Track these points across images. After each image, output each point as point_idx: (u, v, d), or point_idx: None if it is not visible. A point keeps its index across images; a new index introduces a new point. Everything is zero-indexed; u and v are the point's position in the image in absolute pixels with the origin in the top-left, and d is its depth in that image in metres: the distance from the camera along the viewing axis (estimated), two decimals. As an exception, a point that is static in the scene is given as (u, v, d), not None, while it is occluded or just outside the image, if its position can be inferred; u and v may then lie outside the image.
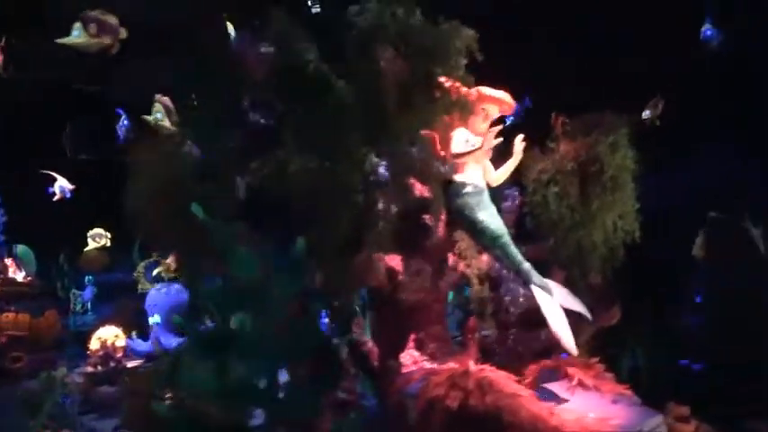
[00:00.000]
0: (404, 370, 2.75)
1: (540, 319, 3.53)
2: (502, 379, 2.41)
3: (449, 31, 2.33)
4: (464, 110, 2.47)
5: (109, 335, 5.43)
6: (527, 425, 2.23)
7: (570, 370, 2.93)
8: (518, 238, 3.69)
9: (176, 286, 5.95)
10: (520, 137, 3.13)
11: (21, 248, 6.35)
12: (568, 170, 3.33)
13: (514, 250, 2.83)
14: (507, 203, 3.74)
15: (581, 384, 2.84)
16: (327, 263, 2.34)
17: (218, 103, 2.28)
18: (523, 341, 3.40)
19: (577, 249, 3.34)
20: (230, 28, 3.01)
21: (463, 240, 3.32)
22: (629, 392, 2.84)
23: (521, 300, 3.51)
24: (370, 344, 2.93)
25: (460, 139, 2.76)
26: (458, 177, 2.86)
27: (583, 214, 3.30)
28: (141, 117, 3.04)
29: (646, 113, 6.10)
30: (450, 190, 2.86)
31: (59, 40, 3.14)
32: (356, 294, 2.90)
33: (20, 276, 6.14)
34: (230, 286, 2.00)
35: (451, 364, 2.67)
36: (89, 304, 8.16)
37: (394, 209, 2.66)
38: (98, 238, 8.41)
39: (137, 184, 2.30)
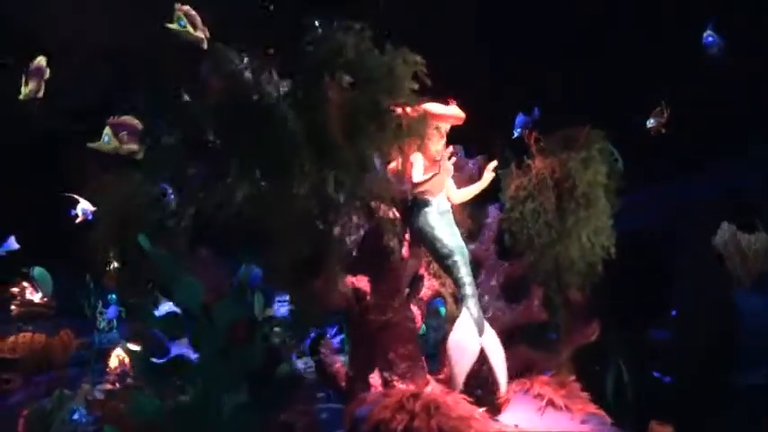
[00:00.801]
0: (372, 390, 2.78)
1: (521, 337, 3.55)
2: (451, 401, 2.41)
3: (394, 58, 2.37)
4: (416, 135, 2.50)
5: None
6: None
7: (542, 389, 2.91)
8: (498, 254, 3.75)
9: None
10: (492, 164, 3.13)
11: (38, 270, 6.59)
12: (544, 187, 3.35)
13: (464, 271, 2.78)
14: (488, 220, 3.76)
15: (551, 404, 2.82)
16: (286, 287, 2.39)
17: (179, 132, 2.35)
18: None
19: (555, 265, 3.34)
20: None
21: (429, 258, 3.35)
22: (600, 412, 2.80)
23: (501, 317, 3.52)
24: (338, 364, 2.97)
25: (419, 166, 2.78)
26: (422, 196, 2.89)
27: (559, 230, 3.30)
28: (166, 26, 2.99)
29: (650, 122, 6.03)
30: (412, 209, 2.88)
31: (91, 145, 3.25)
32: (320, 316, 2.94)
33: (36, 297, 6.40)
34: (173, 313, 2.07)
35: (405, 386, 2.69)
36: (114, 322, 8.43)
37: (353, 232, 2.71)
38: (122, 258, 8.68)
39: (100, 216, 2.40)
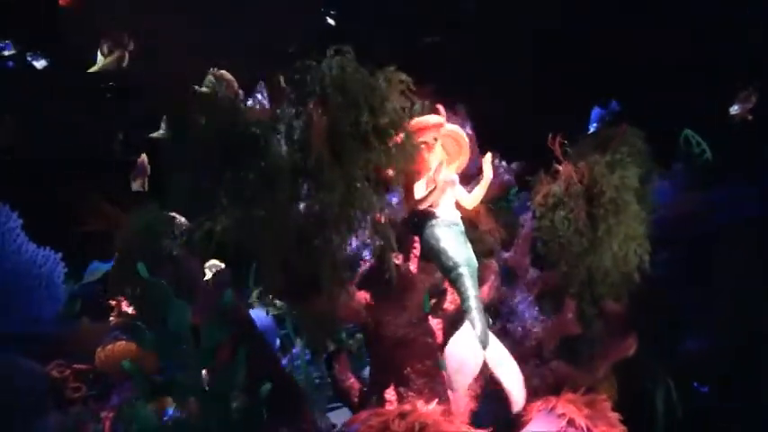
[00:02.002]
0: (387, 407, 2.79)
1: (555, 351, 3.39)
2: (440, 422, 2.34)
3: (377, 78, 2.37)
4: (406, 153, 2.47)
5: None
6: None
7: (566, 408, 2.76)
8: (532, 264, 3.60)
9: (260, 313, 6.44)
10: (487, 156, 2.99)
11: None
12: (573, 193, 3.19)
13: (469, 284, 2.61)
14: (523, 229, 3.63)
15: (571, 424, 2.67)
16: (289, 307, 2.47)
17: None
18: (537, 375, 3.27)
19: (588, 276, 3.17)
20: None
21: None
22: (624, 434, 2.62)
23: (534, 331, 3.38)
24: (352, 380, 3.00)
25: (421, 182, 2.75)
26: (430, 209, 2.85)
27: (591, 239, 3.12)
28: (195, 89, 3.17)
29: (734, 108, 5.54)
30: (420, 222, 2.85)
31: (92, 69, 3.51)
32: (331, 333, 2.97)
33: (131, 309, 7.00)
34: (164, 335, 2.21)
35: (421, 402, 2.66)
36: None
37: (360, 249, 2.73)
38: (213, 269, 9.30)
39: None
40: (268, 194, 2.30)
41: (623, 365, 3.31)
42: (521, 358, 3.26)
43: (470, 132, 3.75)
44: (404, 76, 2.44)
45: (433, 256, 2.76)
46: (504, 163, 3.84)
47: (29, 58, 6.05)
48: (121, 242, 2.52)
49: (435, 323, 3.07)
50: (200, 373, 2.25)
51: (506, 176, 3.78)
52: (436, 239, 2.75)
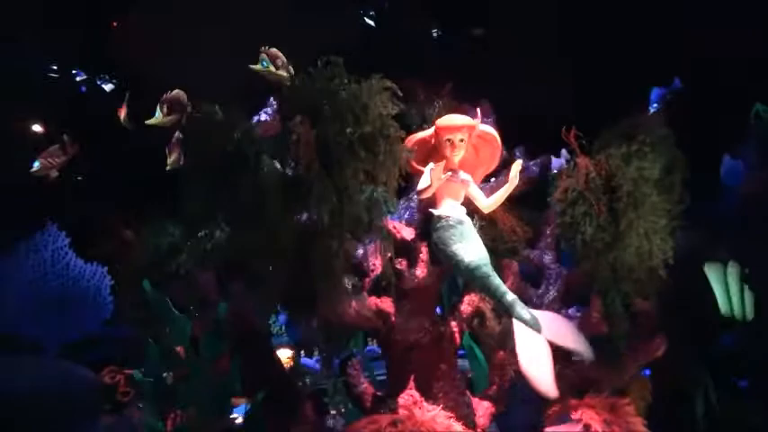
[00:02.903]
0: (400, 411, 2.79)
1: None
2: (441, 426, 2.30)
3: (361, 90, 2.36)
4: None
5: (283, 356, 6.28)
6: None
7: (584, 412, 2.65)
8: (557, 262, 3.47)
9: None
10: (518, 162, 2.95)
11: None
12: (593, 187, 3.04)
13: (496, 281, 2.64)
14: (547, 226, 3.51)
15: (588, 429, 2.56)
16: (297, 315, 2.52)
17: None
18: (562, 376, 3.15)
19: (612, 272, 3.02)
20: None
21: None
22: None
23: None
24: (365, 384, 3.01)
25: (424, 178, 2.74)
26: (434, 211, 2.82)
27: (614, 234, 2.97)
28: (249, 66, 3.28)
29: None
30: (430, 224, 2.83)
31: (149, 122, 3.73)
32: (340, 339, 3.00)
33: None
34: (165, 347, 2.31)
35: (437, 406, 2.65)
36: (283, 327, 9.38)
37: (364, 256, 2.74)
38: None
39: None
40: (259, 210, 2.36)
41: (661, 366, 3.14)
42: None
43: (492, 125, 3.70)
44: (388, 83, 2.43)
45: (446, 261, 2.75)
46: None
47: (99, 82, 6.47)
48: (131, 261, 2.67)
49: (452, 326, 3.04)
50: (200, 381, 2.36)
51: (533, 169, 3.66)
52: (444, 244, 2.73)
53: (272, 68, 3.31)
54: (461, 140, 2.87)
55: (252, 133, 2.41)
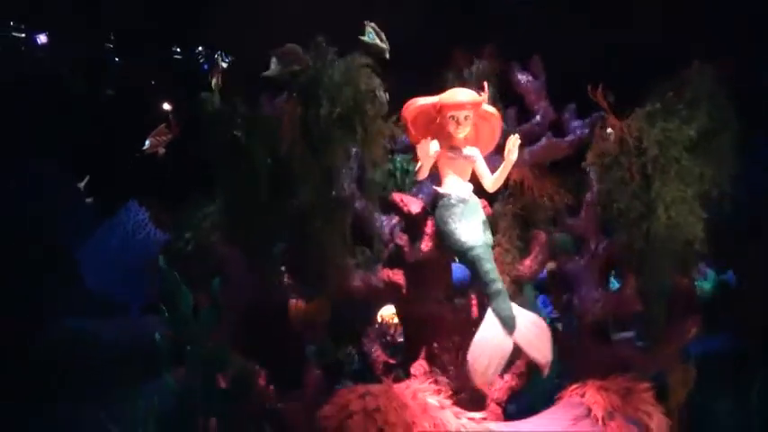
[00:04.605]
0: (413, 381, 2.80)
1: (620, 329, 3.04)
2: (395, 407, 2.25)
3: (335, 71, 2.32)
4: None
5: (387, 313, 6.57)
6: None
7: (592, 395, 2.47)
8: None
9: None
10: (514, 137, 2.69)
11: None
12: (627, 150, 2.76)
13: (487, 266, 2.49)
14: (588, 194, 3.23)
15: (588, 414, 2.39)
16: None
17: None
18: (595, 354, 2.94)
19: (646, 244, 2.73)
20: None
21: (500, 245, 3.08)
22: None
23: (597, 305, 3.03)
24: (377, 353, 3.03)
25: (421, 151, 2.63)
26: (438, 189, 2.72)
27: (647, 203, 2.69)
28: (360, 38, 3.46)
29: None
30: (433, 203, 2.75)
31: (264, 74, 3.90)
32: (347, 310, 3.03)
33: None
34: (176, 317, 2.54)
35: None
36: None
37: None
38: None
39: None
40: (252, 191, 2.48)
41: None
42: (579, 335, 3.03)
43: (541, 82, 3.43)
44: (366, 60, 2.38)
45: (443, 239, 2.67)
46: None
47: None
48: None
49: (469, 299, 2.98)
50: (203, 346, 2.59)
51: (579, 131, 3.38)
52: (443, 222, 2.64)
53: (378, 41, 3.33)
54: (466, 117, 2.69)
55: (243, 118, 2.51)
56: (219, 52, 6.53)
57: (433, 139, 2.68)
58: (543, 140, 3.32)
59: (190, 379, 2.65)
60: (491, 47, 3.60)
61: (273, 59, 3.54)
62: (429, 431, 2.24)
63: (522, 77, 3.49)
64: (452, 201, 2.67)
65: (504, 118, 3.43)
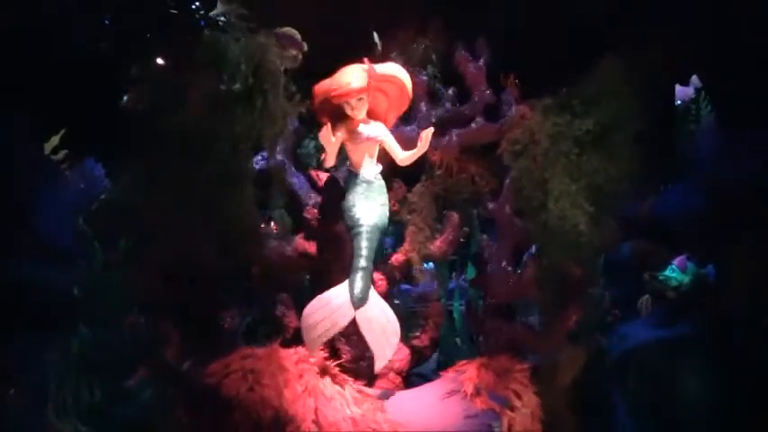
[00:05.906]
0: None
1: (511, 310, 3.15)
2: (271, 369, 2.40)
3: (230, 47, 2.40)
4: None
5: None
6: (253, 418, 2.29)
7: (465, 374, 2.61)
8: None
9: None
10: (428, 131, 2.79)
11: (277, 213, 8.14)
12: (533, 141, 2.81)
13: (363, 243, 2.66)
14: (508, 180, 3.28)
15: (456, 392, 2.53)
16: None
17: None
18: (492, 333, 3.06)
19: (543, 233, 2.81)
20: None
21: (414, 225, 3.19)
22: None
23: (501, 288, 3.13)
24: (289, 320, 3.14)
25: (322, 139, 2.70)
26: (350, 168, 2.84)
27: (546, 191, 2.76)
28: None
29: None
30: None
31: (210, 13, 3.89)
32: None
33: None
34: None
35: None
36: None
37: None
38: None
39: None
40: (164, 165, 2.59)
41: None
42: (483, 314, 3.15)
43: (481, 65, 3.43)
44: (269, 40, 2.45)
45: (342, 213, 2.81)
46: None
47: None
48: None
49: (380, 275, 3.10)
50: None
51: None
52: (345, 198, 2.78)
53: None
54: (359, 100, 2.76)
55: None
56: None
57: (337, 122, 2.78)
58: (473, 124, 3.38)
59: (99, 335, 2.86)
60: (437, 22, 3.60)
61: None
62: (299, 394, 2.39)
63: (463, 58, 3.50)
64: (357, 180, 2.79)
65: (444, 97, 3.51)
